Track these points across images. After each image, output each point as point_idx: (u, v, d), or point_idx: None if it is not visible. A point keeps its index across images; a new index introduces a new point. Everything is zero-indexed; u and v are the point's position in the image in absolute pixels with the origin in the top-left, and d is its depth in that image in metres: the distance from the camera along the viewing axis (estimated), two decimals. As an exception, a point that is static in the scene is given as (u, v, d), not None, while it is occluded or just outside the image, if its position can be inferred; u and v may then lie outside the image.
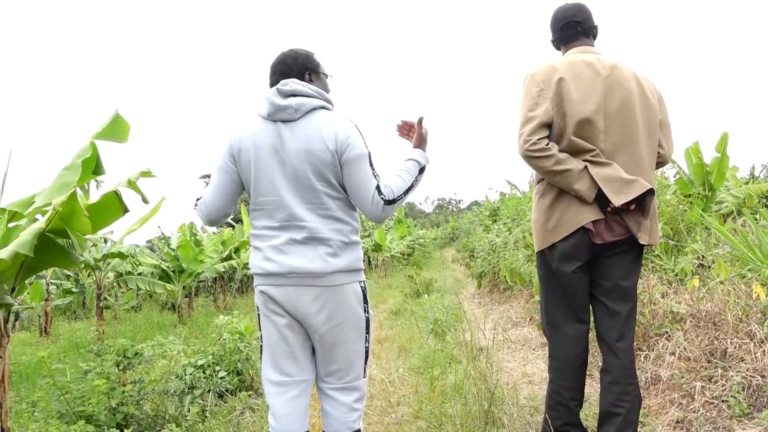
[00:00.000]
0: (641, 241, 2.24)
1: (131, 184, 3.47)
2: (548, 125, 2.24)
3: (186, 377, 3.83)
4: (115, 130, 3.63)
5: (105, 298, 10.27)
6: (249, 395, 3.81)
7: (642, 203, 2.22)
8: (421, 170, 2.12)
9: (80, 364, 3.62)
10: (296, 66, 2.09)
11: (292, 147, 1.95)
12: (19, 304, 10.86)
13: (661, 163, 2.41)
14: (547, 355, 2.48)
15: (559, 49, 2.52)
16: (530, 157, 2.22)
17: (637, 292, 3.91)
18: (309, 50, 2.16)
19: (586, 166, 2.21)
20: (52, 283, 11.38)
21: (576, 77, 2.23)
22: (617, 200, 2.15)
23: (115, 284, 10.92)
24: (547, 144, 2.21)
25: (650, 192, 2.20)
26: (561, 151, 2.24)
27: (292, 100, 1.96)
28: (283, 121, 1.98)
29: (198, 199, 2.13)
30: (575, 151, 2.23)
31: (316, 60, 2.15)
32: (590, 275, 2.35)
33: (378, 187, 1.98)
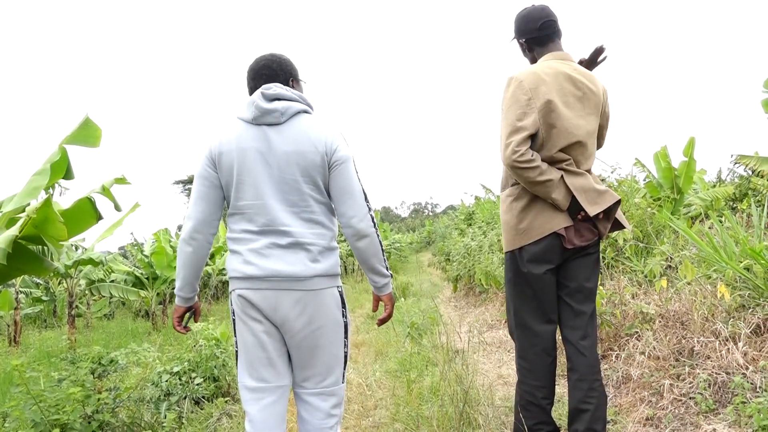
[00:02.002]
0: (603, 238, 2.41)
1: (105, 191, 3.45)
2: (534, 136, 2.27)
3: (162, 384, 3.80)
4: (86, 134, 3.59)
5: (77, 306, 10.09)
6: (226, 401, 3.79)
7: (610, 212, 2.35)
8: (385, 275, 2.13)
9: (52, 374, 3.56)
10: (282, 71, 2.11)
11: (280, 150, 1.95)
12: (-13, 313, 10.62)
13: None
14: (516, 357, 2.53)
15: (531, 51, 2.50)
16: (517, 167, 2.22)
17: (608, 294, 4.03)
18: (287, 56, 2.18)
19: (562, 176, 2.28)
20: (21, 292, 11.15)
21: (563, 91, 2.28)
22: (592, 210, 2.26)
23: (87, 292, 10.73)
24: (533, 155, 2.23)
25: (618, 202, 2.34)
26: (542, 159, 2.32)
27: (277, 104, 1.97)
28: (269, 125, 1.98)
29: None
30: (554, 161, 2.30)
31: (296, 67, 2.19)
32: (557, 277, 2.42)
33: (365, 194, 2.02)
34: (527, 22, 2.45)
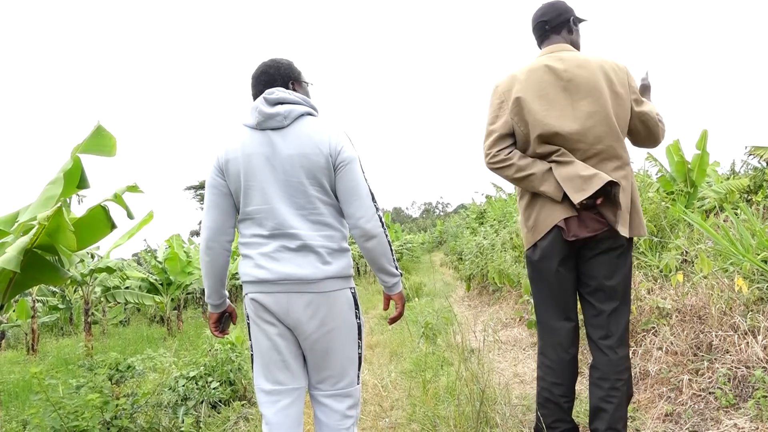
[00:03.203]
0: (621, 233, 2.22)
1: (118, 199, 3.47)
2: (509, 135, 2.32)
3: (179, 389, 3.82)
4: (100, 143, 3.63)
5: (93, 314, 10.19)
6: (242, 405, 3.81)
7: (609, 195, 2.22)
8: (394, 274, 2.11)
9: (70, 381, 3.60)
10: (279, 75, 2.11)
11: (284, 153, 1.95)
12: (5, 322, 10.76)
13: (642, 140, 2.40)
14: (537, 353, 2.52)
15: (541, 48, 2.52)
16: (493, 169, 2.34)
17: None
18: (289, 59, 2.19)
19: (550, 168, 2.26)
20: (38, 300, 11.28)
21: (535, 85, 2.27)
22: (576, 198, 2.18)
23: (102, 299, 10.82)
24: (509, 153, 2.30)
25: (612, 184, 2.19)
26: (530, 155, 2.31)
27: (280, 108, 1.98)
28: (273, 129, 1.98)
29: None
30: (542, 155, 2.30)
31: (298, 69, 2.18)
32: (577, 274, 2.39)
33: (372, 194, 2.01)
34: (535, 18, 2.48)
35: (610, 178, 2.18)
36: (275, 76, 2.11)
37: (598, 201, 2.21)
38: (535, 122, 2.25)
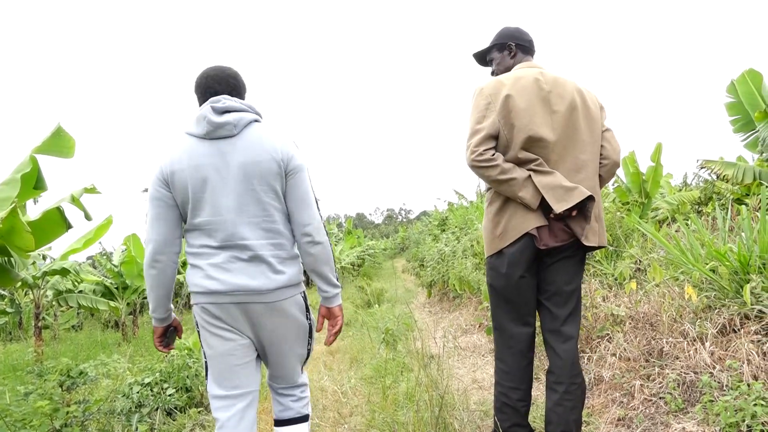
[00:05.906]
0: (587, 243, 2.32)
1: (75, 201, 3.38)
2: (495, 137, 2.34)
3: (133, 395, 3.73)
4: (59, 144, 3.53)
5: (43, 318, 9.86)
6: (199, 412, 3.74)
7: (583, 209, 2.32)
8: (336, 285, 2.15)
9: (18, 388, 3.47)
10: (225, 83, 2.08)
11: (236, 162, 1.93)
12: (-50, 327, 10.30)
13: (607, 163, 2.47)
14: (495, 358, 2.56)
15: (514, 56, 2.62)
16: (477, 167, 2.32)
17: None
18: (232, 67, 2.15)
19: (530, 175, 2.31)
20: (-15, 304, 10.84)
21: (523, 91, 2.33)
22: (558, 207, 2.25)
23: (54, 303, 10.48)
24: (493, 154, 2.31)
25: (590, 198, 2.29)
26: (507, 160, 2.34)
27: (229, 116, 1.94)
28: (222, 138, 1.95)
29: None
30: (521, 161, 2.33)
31: (241, 79, 2.15)
32: (536, 280, 2.44)
33: (317, 202, 2.07)
34: (522, 33, 2.61)
35: (590, 193, 2.28)
36: (221, 83, 2.07)
37: (573, 213, 2.30)
38: (522, 126, 2.29)
